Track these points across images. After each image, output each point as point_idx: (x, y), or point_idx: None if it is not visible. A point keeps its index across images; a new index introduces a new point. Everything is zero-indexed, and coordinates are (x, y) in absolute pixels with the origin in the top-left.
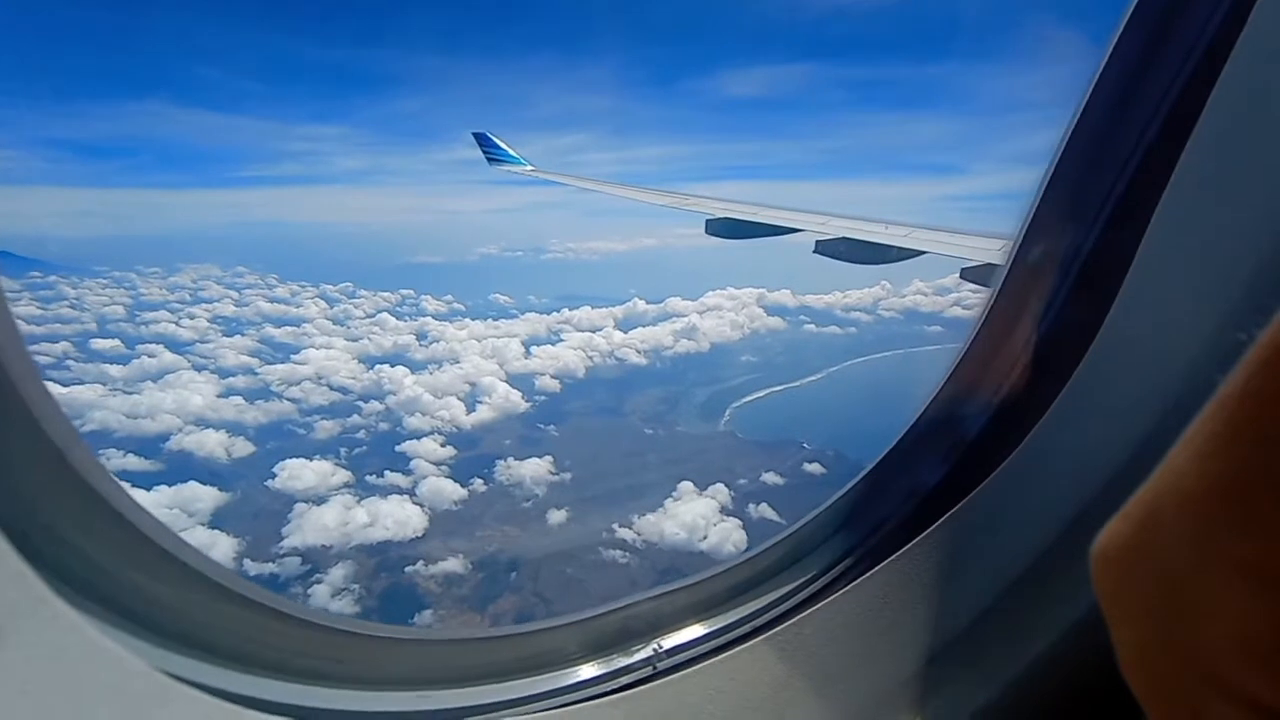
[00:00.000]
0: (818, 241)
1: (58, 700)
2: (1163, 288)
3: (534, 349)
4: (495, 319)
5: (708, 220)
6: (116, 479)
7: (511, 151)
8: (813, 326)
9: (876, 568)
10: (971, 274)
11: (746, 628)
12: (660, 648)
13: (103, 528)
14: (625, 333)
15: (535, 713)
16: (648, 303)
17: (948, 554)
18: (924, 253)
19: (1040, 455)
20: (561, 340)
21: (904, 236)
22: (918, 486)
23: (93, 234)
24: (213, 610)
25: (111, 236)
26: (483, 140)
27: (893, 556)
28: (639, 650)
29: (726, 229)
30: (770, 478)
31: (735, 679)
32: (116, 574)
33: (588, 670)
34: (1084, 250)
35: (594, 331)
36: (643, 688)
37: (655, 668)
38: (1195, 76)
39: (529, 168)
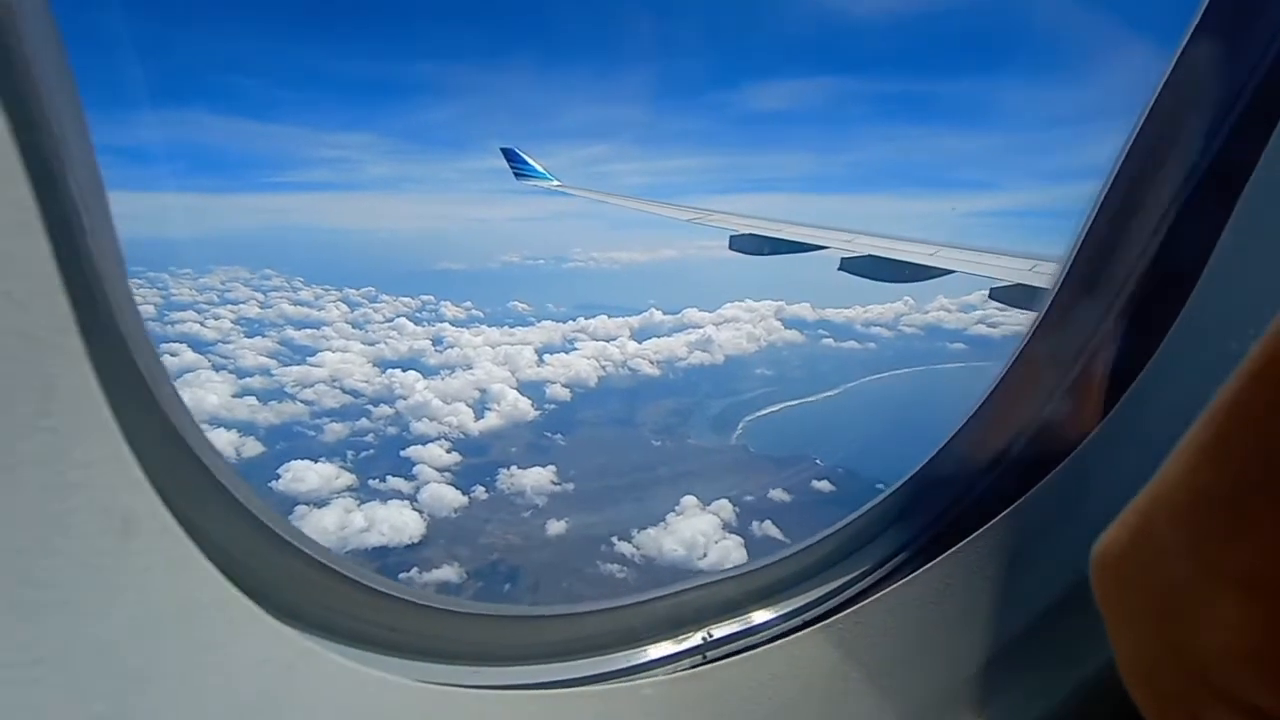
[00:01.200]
0: (843, 259)
1: (160, 609)
2: (1226, 311)
3: (547, 357)
4: (512, 326)
5: (732, 237)
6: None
7: (538, 167)
8: (831, 341)
9: (936, 560)
10: (1001, 294)
11: (801, 618)
12: (711, 635)
13: (183, 466)
14: (640, 343)
15: (583, 688)
16: (664, 313)
17: (1011, 549)
18: (951, 271)
19: (1105, 453)
20: (575, 349)
21: (930, 255)
22: (978, 478)
23: (134, 236)
24: (281, 565)
25: (150, 238)
26: (510, 156)
27: (954, 549)
28: (690, 637)
29: (751, 245)
30: (777, 494)
31: (790, 665)
32: (193, 511)
33: (638, 655)
34: (1140, 270)
35: (608, 341)
36: (695, 670)
37: (705, 656)
38: (1268, 84)
39: (555, 183)
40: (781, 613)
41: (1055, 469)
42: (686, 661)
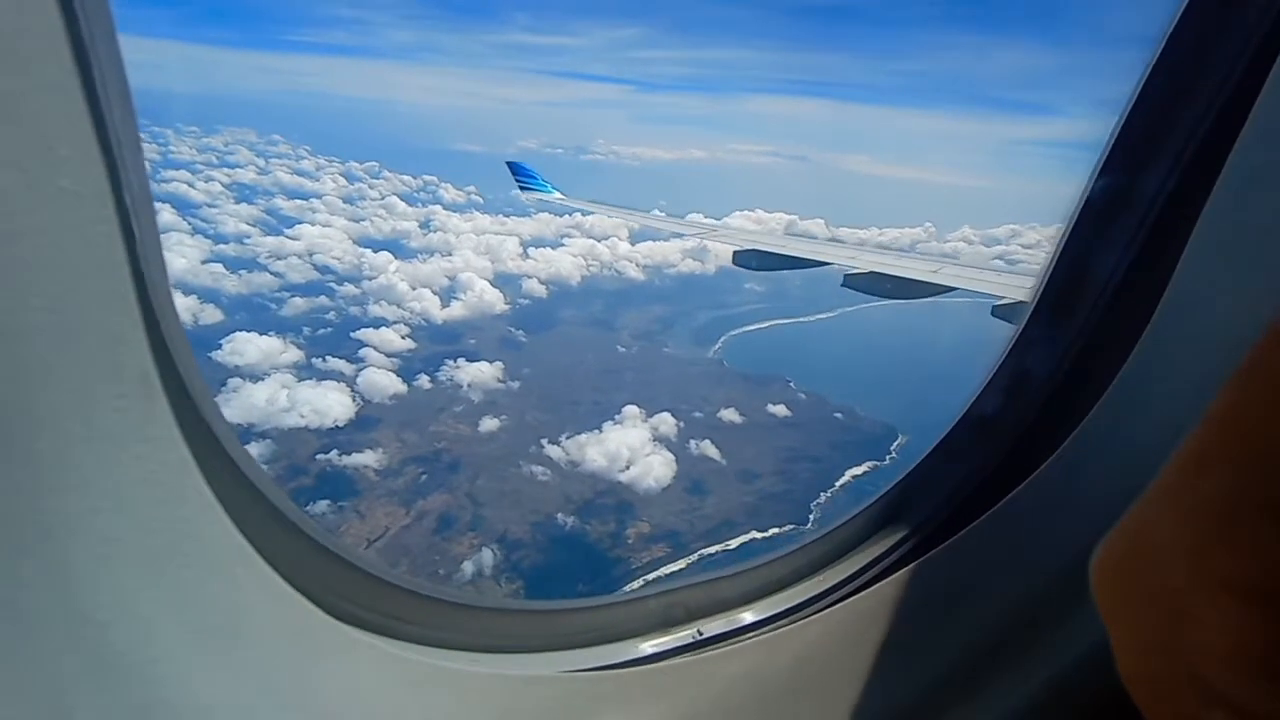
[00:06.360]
0: (846, 275)
1: (200, 581)
2: (1212, 286)
3: (533, 251)
4: (508, 215)
5: (736, 252)
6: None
7: (544, 181)
8: None
9: (919, 560)
10: (1002, 311)
11: (790, 617)
12: (701, 633)
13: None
14: (633, 245)
15: (578, 674)
16: (668, 216)
17: (994, 546)
18: (954, 289)
19: (1080, 459)
20: (563, 245)
21: (933, 272)
22: (960, 486)
23: (139, 85)
24: (296, 552)
25: (158, 89)
26: (516, 169)
27: (935, 551)
28: (682, 633)
29: (754, 261)
30: (729, 414)
31: (776, 658)
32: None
33: (631, 649)
34: (1134, 248)
35: (600, 240)
36: (683, 659)
37: (697, 654)
38: (1251, 68)
39: (558, 195)
40: (773, 612)
41: (1026, 481)
42: (679, 654)
